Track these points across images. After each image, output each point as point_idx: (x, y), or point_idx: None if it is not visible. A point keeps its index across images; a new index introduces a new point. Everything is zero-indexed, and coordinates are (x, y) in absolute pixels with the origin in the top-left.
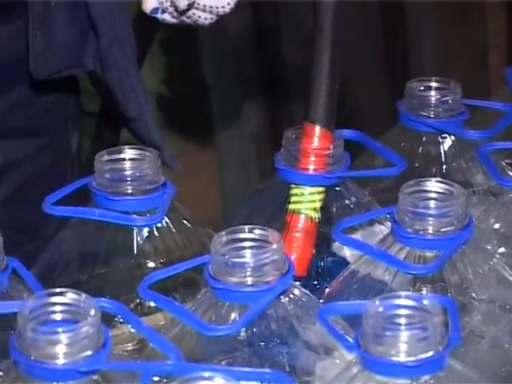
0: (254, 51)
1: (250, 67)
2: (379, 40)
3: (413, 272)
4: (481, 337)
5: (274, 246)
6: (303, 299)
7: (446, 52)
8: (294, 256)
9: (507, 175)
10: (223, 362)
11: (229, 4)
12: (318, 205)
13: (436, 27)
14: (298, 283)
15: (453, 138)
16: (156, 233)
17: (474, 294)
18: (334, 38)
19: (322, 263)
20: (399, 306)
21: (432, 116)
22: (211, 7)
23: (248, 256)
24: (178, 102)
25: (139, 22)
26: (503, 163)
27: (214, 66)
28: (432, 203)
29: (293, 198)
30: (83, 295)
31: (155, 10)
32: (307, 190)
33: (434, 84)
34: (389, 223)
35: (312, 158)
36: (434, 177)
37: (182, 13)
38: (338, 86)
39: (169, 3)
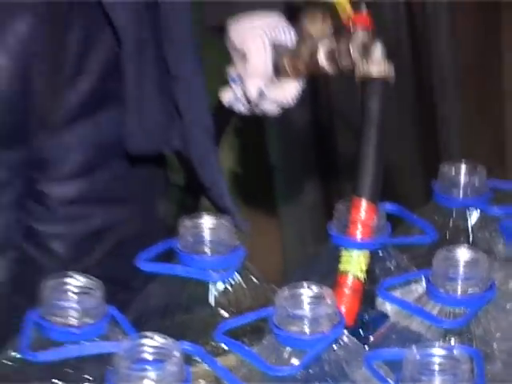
0: (311, 138)
1: (308, 152)
2: (414, 122)
3: (444, 326)
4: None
5: (328, 301)
6: (351, 346)
7: (470, 137)
8: (343, 309)
9: None
10: None
11: (292, 98)
12: (364, 266)
13: (461, 114)
14: (346, 332)
15: (479, 213)
16: (229, 287)
17: (495, 346)
18: (378, 126)
19: (367, 316)
20: (433, 355)
21: (461, 195)
22: (277, 100)
23: (306, 309)
24: (246, 178)
25: (218, 110)
26: None
27: (278, 150)
28: (461, 268)
29: (343, 260)
30: (169, 339)
31: (231, 101)
32: (355, 253)
33: (463, 168)
34: (424, 283)
35: (359, 227)
36: (463, 245)
37: (253, 104)
38: (382, 166)
39: (242, 96)
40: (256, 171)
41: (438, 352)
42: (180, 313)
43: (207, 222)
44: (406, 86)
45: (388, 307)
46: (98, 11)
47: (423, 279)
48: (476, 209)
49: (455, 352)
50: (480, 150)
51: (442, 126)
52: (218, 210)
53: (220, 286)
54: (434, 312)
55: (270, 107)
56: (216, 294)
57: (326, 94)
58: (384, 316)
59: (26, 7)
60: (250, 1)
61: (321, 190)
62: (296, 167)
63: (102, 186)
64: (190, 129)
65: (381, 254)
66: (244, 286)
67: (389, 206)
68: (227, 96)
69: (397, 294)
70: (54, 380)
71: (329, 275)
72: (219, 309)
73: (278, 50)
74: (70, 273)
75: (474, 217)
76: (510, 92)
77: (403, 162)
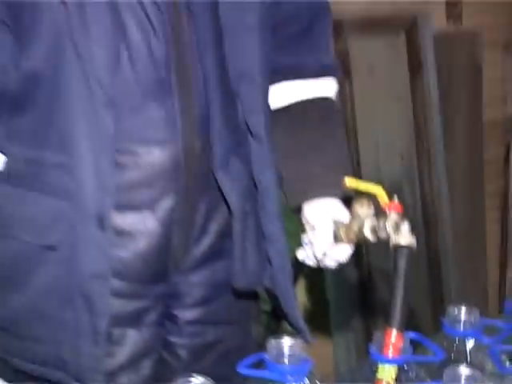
0: (357, 283)
1: (354, 292)
2: (426, 276)
3: None
4: None
5: None
6: None
7: (464, 287)
8: None
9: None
10: None
11: (346, 258)
12: (394, 376)
13: (457, 270)
14: None
15: (474, 341)
16: None
17: None
18: (405, 279)
19: None
20: None
21: (462, 328)
22: (335, 259)
23: None
24: (312, 308)
25: (295, 262)
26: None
27: (333, 290)
28: (462, 381)
29: (379, 371)
30: None
31: (304, 258)
32: (387, 367)
33: (463, 309)
34: None
35: (390, 348)
36: (463, 364)
37: (319, 261)
38: (407, 306)
39: (312, 255)
40: (317, 303)
41: None
42: None
43: (286, 341)
44: (420, 251)
45: None
46: (216, 192)
47: None
48: (472, 338)
49: None
50: (472, 293)
51: (445, 278)
52: (294, 329)
53: None
54: None
55: (331, 263)
56: None
57: (368, 255)
58: None
59: (171, 190)
60: (321, 187)
61: (362, 320)
62: (345, 302)
63: (214, 312)
64: (276, 273)
65: (405, 368)
66: None
67: (411, 334)
68: (301, 254)
69: None
70: None
71: (369, 381)
72: None
73: (336, 223)
74: (192, 373)
75: (470, 344)
76: (492, 257)
77: (420, 302)
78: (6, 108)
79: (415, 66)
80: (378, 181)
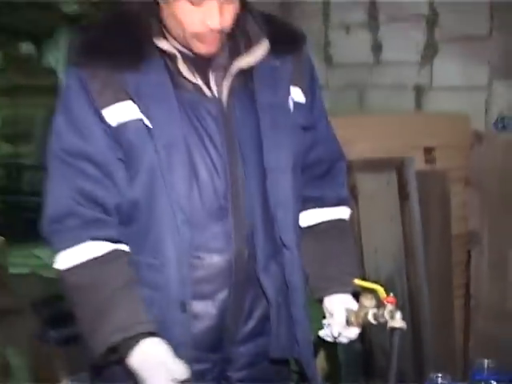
0: (361, 353)
1: (358, 359)
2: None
3: None
4: None
5: None
6: None
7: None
8: None
9: None
10: None
11: (355, 336)
12: None
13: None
14: None
15: None
16: None
17: None
18: (398, 354)
19: None
20: None
21: None
22: (347, 337)
23: None
24: (326, 370)
25: (318, 338)
26: None
27: (343, 358)
28: None
29: None
30: None
31: (324, 336)
32: None
33: (439, 376)
34: None
35: None
36: None
37: (335, 338)
38: (400, 373)
39: (331, 334)
40: (332, 368)
41: None
42: None
43: None
44: (407, 329)
45: None
46: (258, 287)
47: None
48: None
49: None
50: (443, 358)
51: (425, 348)
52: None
53: None
54: None
55: (344, 340)
56: None
57: (370, 334)
58: None
59: (226, 285)
60: (337, 286)
61: (365, 382)
62: (353, 368)
63: (257, 373)
64: (302, 349)
65: None
66: None
67: None
68: (322, 333)
69: None
70: None
71: None
72: None
73: (348, 311)
74: None
75: None
76: (458, 332)
77: (406, 367)
78: (120, 222)
79: (403, 196)
80: (376, 277)
